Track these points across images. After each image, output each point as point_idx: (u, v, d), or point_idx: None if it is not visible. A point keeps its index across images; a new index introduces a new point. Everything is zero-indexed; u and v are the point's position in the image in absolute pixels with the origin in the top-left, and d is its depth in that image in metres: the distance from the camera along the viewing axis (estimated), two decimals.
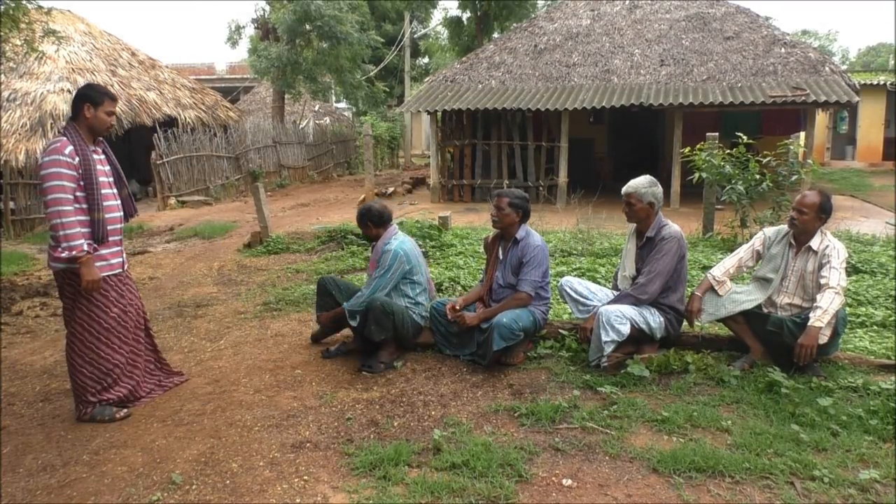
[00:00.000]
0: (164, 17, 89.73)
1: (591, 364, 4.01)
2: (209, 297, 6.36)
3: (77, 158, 3.42)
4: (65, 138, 3.46)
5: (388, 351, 4.30)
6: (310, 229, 9.41)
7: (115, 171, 3.73)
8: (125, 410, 3.64)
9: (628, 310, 3.98)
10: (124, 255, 3.78)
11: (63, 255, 3.36)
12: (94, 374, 3.59)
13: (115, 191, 3.68)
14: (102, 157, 3.67)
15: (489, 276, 4.43)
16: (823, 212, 3.86)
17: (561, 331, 4.44)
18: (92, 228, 3.46)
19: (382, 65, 26.75)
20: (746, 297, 4.02)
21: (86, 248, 3.40)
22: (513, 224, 4.27)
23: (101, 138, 3.70)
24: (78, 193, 3.42)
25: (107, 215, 3.53)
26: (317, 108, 27.67)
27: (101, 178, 3.55)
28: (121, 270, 3.70)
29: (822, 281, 3.76)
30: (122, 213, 3.72)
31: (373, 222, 4.42)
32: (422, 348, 4.52)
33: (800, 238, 3.94)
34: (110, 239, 3.58)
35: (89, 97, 3.55)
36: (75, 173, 3.40)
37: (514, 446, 3.10)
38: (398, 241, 4.39)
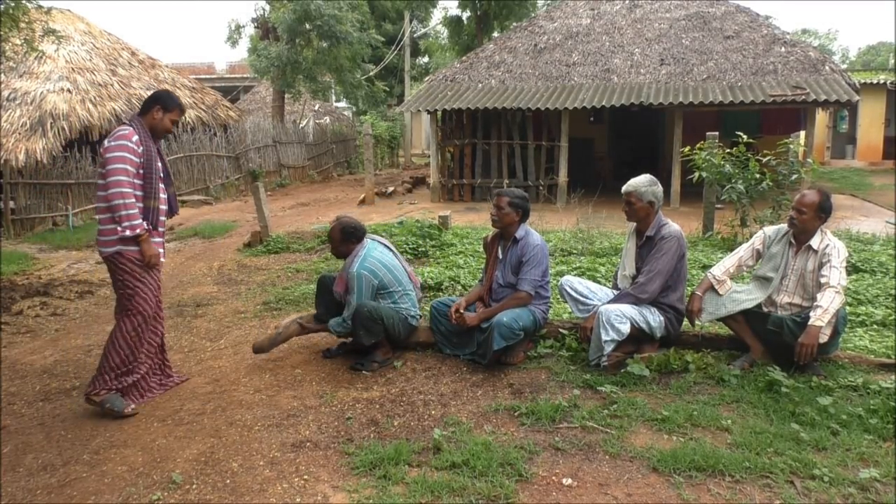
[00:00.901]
0: (164, 17, 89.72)
1: (591, 363, 4.01)
2: (209, 296, 6.37)
3: (141, 148, 3.63)
4: (132, 128, 3.66)
5: (382, 350, 4.31)
6: (310, 229, 9.41)
7: (165, 169, 3.87)
8: (132, 406, 3.69)
9: (628, 309, 3.98)
10: (164, 247, 3.93)
11: (126, 233, 3.54)
12: (127, 357, 3.71)
13: (164, 186, 3.84)
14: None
15: (489, 275, 4.43)
16: (823, 211, 3.86)
17: (561, 330, 4.44)
18: (145, 215, 3.64)
19: (382, 64, 26.74)
20: (746, 296, 4.02)
21: (146, 226, 3.60)
22: (513, 223, 4.26)
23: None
24: (136, 181, 3.61)
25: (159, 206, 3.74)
26: (317, 107, 27.65)
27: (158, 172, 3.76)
28: (163, 260, 3.89)
29: (823, 280, 3.76)
30: (168, 207, 3.88)
31: (355, 239, 4.32)
32: (422, 348, 4.52)
33: (800, 237, 3.94)
34: (159, 229, 3.77)
35: (163, 101, 3.78)
36: (138, 160, 3.61)
37: (514, 446, 3.10)
38: (359, 260, 4.23)
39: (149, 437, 3.37)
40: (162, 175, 3.81)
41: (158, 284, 3.88)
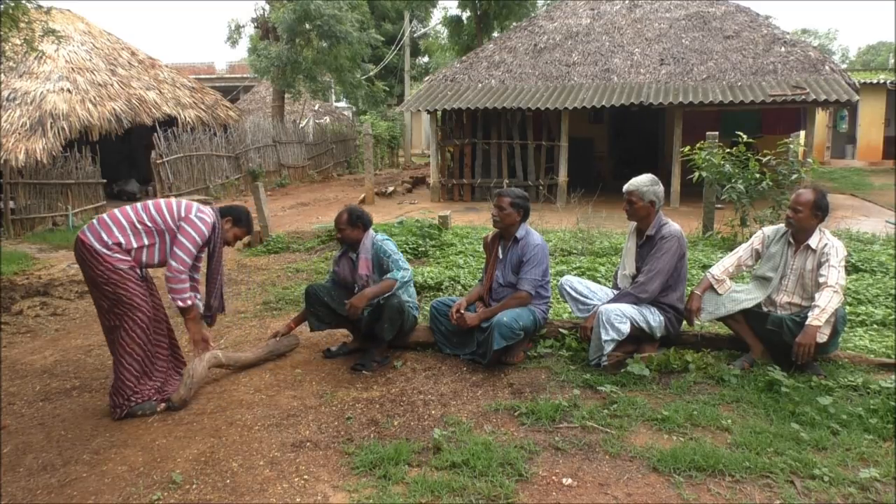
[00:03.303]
0: (164, 17, 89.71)
1: (591, 363, 4.02)
2: None
3: (210, 244, 3.82)
4: (213, 222, 3.80)
5: (379, 349, 4.31)
6: (310, 228, 9.42)
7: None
8: (164, 404, 3.70)
9: (628, 309, 3.98)
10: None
11: (178, 304, 3.70)
12: (142, 360, 3.68)
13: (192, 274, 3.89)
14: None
15: (489, 275, 4.43)
16: (819, 209, 3.86)
17: (561, 330, 4.44)
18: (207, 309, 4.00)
19: (382, 64, 26.74)
20: (746, 295, 4.02)
21: (197, 301, 3.90)
22: (514, 223, 4.26)
23: None
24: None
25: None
26: (317, 107, 27.63)
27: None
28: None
29: (821, 279, 3.76)
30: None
31: (362, 225, 4.39)
32: (422, 348, 4.52)
33: (798, 237, 3.94)
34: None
35: (235, 216, 3.97)
36: (202, 250, 3.82)
37: (514, 445, 3.10)
38: (375, 237, 4.42)
39: (149, 437, 3.37)
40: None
41: (154, 291, 3.85)
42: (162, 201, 3.78)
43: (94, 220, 3.66)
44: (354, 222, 4.37)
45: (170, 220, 3.67)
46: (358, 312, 4.19)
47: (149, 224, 3.64)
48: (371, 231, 4.46)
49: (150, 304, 3.67)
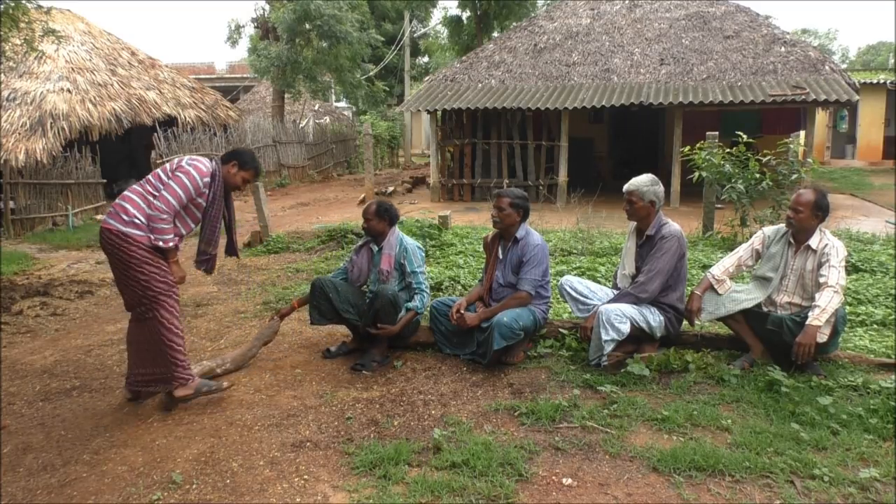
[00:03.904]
0: (164, 17, 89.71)
1: (591, 363, 4.01)
2: (209, 296, 6.37)
3: (208, 192, 3.78)
4: (211, 169, 3.78)
5: (379, 349, 4.32)
6: (310, 228, 9.42)
7: (231, 216, 4.11)
8: (226, 382, 3.87)
9: (628, 309, 3.98)
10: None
11: (159, 244, 3.60)
12: (181, 341, 3.73)
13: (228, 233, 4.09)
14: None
15: (489, 275, 4.43)
16: (819, 209, 3.86)
17: (561, 330, 4.44)
18: (200, 256, 4.01)
19: (382, 64, 26.74)
20: (746, 295, 4.02)
21: (178, 242, 3.78)
22: (514, 224, 4.26)
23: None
24: (184, 213, 3.75)
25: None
26: (317, 107, 27.63)
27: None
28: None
29: (821, 280, 3.76)
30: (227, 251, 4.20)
31: (389, 219, 4.47)
32: (422, 348, 4.52)
33: (799, 237, 3.94)
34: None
35: (240, 158, 3.93)
36: (196, 200, 3.75)
37: (514, 445, 3.10)
38: (404, 238, 4.49)
39: (149, 437, 3.37)
40: (227, 222, 4.01)
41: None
42: (160, 168, 3.81)
43: (111, 208, 3.70)
44: (382, 215, 4.44)
45: (164, 176, 3.70)
46: (391, 334, 4.26)
47: (154, 192, 3.67)
48: (397, 228, 4.52)
49: (177, 288, 3.75)
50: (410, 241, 4.50)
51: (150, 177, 3.75)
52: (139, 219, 3.58)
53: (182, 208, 3.69)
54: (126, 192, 3.72)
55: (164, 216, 3.58)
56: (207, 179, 3.74)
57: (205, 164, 3.76)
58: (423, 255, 4.59)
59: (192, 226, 3.85)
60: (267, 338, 4.53)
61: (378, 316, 4.20)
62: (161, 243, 3.59)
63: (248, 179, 4.01)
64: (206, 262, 4.03)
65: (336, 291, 4.40)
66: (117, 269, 3.64)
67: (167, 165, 3.79)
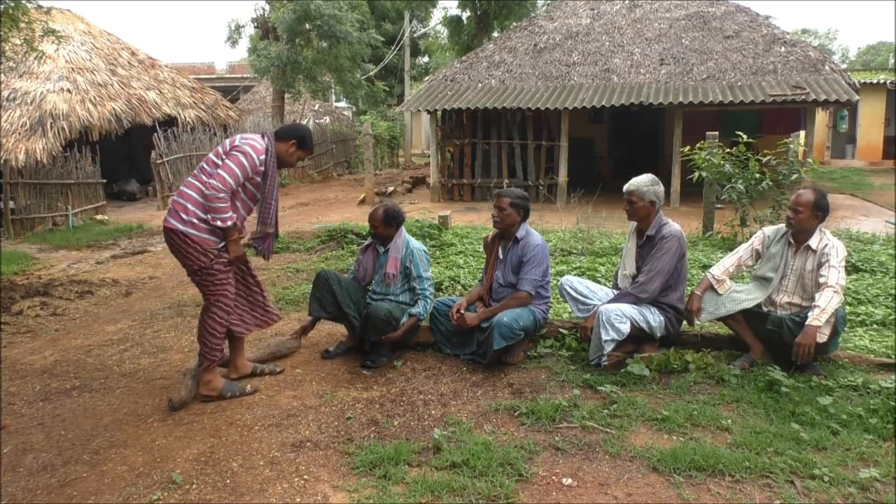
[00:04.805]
0: (164, 17, 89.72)
1: (591, 363, 4.01)
2: None
3: (263, 169, 3.79)
4: (265, 146, 3.78)
5: (387, 347, 4.34)
6: (310, 228, 9.42)
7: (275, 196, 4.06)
8: (249, 387, 3.90)
9: (628, 309, 3.98)
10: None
11: (217, 223, 3.65)
12: (220, 335, 3.88)
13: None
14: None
15: (489, 275, 4.43)
16: (819, 209, 3.86)
17: (561, 330, 4.44)
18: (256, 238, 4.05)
19: (382, 64, 26.75)
20: (746, 295, 4.02)
21: (238, 223, 3.84)
22: (514, 224, 4.26)
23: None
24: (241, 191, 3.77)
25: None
26: (317, 107, 27.62)
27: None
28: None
29: (821, 280, 3.76)
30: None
31: (396, 224, 4.46)
32: (422, 348, 4.52)
33: (798, 237, 3.94)
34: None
35: (300, 139, 3.91)
36: (252, 177, 3.76)
37: (514, 445, 3.10)
38: (411, 241, 4.49)
39: (149, 437, 3.37)
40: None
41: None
42: (212, 151, 3.84)
43: (170, 204, 3.74)
44: (389, 222, 4.43)
45: (217, 159, 3.72)
46: (393, 340, 4.31)
47: (210, 176, 3.68)
48: (403, 230, 4.52)
49: (234, 285, 3.87)
50: (417, 245, 4.50)
51: (203, 163, 3.78)
52: (198, 216, 3.62)
53: (240, 187, 3.71)
54: (182, 188, 3.74)
55: (221, 195, 3.59)
56: (263, 157, 3.75)
57: (259, 142, 3.77)
58: (429, 258, 4.59)
59: (251, 205, 3.89)
60: (283, 352, 4.53)
61: (366, 332, 4.21)
62: (219, 222, 3.62)
63: (301, 159, 4.04)
64: (261, 241, 4.04)
65: (339, 284, 4.42)
66: (180, 262, 3.79)
67: (219, 147, 3.80)
